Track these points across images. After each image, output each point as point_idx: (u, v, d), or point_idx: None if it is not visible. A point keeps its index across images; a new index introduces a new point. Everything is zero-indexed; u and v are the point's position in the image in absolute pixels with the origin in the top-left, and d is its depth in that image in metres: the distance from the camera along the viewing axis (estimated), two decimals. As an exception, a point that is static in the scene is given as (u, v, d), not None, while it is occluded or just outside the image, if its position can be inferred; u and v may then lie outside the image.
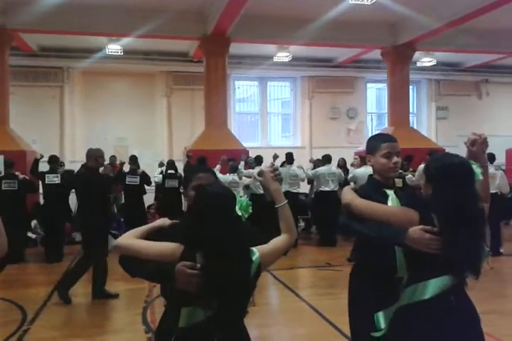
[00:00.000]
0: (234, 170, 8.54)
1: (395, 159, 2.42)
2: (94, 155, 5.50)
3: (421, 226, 2.08)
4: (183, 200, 8.62)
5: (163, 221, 2.10)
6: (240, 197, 1.91)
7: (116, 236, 9.03)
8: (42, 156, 8.21)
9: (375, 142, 2.50)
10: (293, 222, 2.11)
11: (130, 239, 1.98)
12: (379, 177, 2.49)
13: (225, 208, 1.87)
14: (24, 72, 11.74)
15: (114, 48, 11.13)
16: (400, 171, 8.83)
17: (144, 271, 1.92)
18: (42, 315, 4.98)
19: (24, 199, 7.69)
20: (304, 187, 9.95)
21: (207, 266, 1.80)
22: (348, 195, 2.38)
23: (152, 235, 2.01)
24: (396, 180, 9.04)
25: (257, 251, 1.93)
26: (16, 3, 8.91)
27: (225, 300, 1.82)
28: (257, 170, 8.54)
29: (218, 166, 8.65)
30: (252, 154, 9.91)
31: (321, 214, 9.14)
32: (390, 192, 2.42)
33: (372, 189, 2.45)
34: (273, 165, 2.19)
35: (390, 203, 2.36)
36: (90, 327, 4.73)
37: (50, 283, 6.17)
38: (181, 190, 8.56)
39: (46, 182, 7.79)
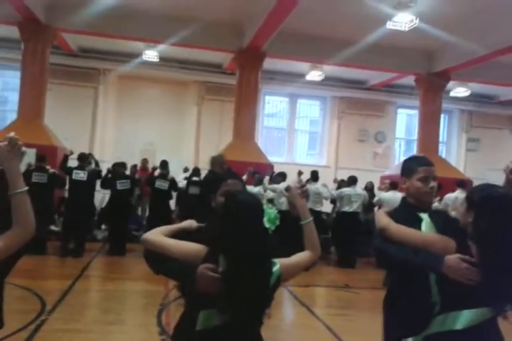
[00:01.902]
0: (260, 182, 8.56)
1: (432, 183, 2.35)
2: (219, 162, 5.64)
3: (458, 255, 2.03)
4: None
5: (191, 223, 2.13)
6: (270, 208, 1.91)
7: (136, 237, 9.11)
8: (72, 153, 8.35)
9: (412, 165, 2.43)
10: (317, 239, 2.10)
11: (158, 235, 2.01)
12: (413, 201, 2.41)
13: (252, 216, 1.87)
14: (62, 71, 11.99)
15: (150, 54, 11.35)
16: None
17: (168, 268, 1.94)
18: (59, 307, 5.00)
19: (52, 193, 7.82)
20: (326, 207, 9.89)
21: (228, 270, 1.81)
22: (384, 220, 2.33)
23: (178, 235, 2.03)
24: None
25: (278, 263, 1.93)
26: (62, 3, 9.18)
27: (242, 306, 1.82)
28: (282, 185, 8.55)
29: (244, 177, 8.67)
30: (277, 169, 9.91)
31: (342, 235, 9.04)
32: (425, 216, 2.34)
33: (406, 212, 2.39)
34: (301, 181, 2.21)
35: (423, 227, 2.29)
36: (105, 323, 4.72)
37: (70, 277, 6.23)
38: (204, 197, 8.62)
39: (73, 177, 7.90)
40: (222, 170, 5.77)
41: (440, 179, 9.65)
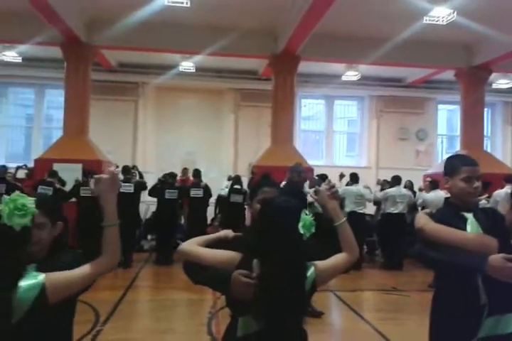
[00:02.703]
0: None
1: (476, 184, 2.27)
2: (297, 171, 5.66)
3: (502, 255, 1.97)
4: (246, 215, 8.72)
5: (227, 232, 2.15)
6: (306, 214, 1.90)
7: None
8: (117, 167, 8.62)
9: (455, 164, 2.35)
10: (354, 240, 2.07)
11: (192, 245, 2.05)
12: (456, 201, 2.35)
13: (287, 221, 1.87)
14: (102, 86, 12.37)
15: (186, 65, 11.59)
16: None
17: (204, 276, 1.97)
18: (113, 317, 5.17)
19: (99, 206, 8.06)
20: (369, 208, 9.76)
21: (262, 275, 1.82)
22: (422, 220, 2.29)
23: (214, 245, 2.07)
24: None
25: (312, 266, 1.93)
26: (99, 21, 9.50)
27: (277, 311, 1.81)
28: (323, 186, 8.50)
29: (285, 182, 8.68)
30: (316, 172, 9.87)
31: (388, 237, 8.90)
32: (469, 216, 2.28)
33: (450, 212, 2.33)
34: (329, 182, 2.18)
35: (468, 227, 2.23)
36: (157, 332, 4.84)
37: (121, 288, 6.45)
38: (246, 205, 8.69)
39: (120, 190, 8.14)
40: (299, 179, 5.67)
41: (487, 175, 9.31)
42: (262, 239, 1.86)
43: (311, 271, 1.91)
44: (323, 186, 2.14)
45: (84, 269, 1.78)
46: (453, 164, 2.38)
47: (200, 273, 1.98)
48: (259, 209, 2.02)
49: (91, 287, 1.87)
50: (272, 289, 1.80)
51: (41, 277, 1.68)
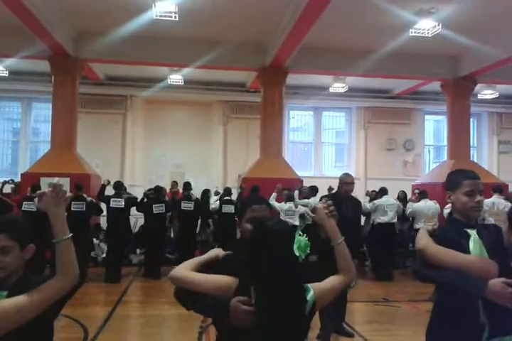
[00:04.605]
0: (290, 198, 8.57)
1: (478, 198, 2.26)
2: (345, 182, 5.45)
3: (503, 279, 1.96)
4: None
5: (217, 252, 2.07)
6: (300, 235, 1.84)
7: (170, 260, 9.19)
8: (109, 182, 8.56)
9: (457, 178, 2.34)
10: (351, 260, 2.04)
11: (184, 270, 1.96)
12: (459, 216, 2.32)
13: (282, 244, 1.82)
14: (91, 100, 12.36)
15: (175, 78, 11.61)
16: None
17: (200, 305, 1.90)
18: (101, 334, 5.07)
19: (89, 221, 8.02)
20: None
21: (260, 301, 1.76)
22: (423, 240, 2.26)
23: (207, 267, 2.00)
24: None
25: (311, 289, 1.88)
26: (87, 34, 9.49)
27: (278, 338, 1.76)
28: (312, 199, 8.51)
29: (274, 194, 8.71)
30: (305, 183, 9.89)
31: (378, 247, 8.91)
32: (473, 232, 2.25)
33: (452, 229, 2.30)
34: (327, 200, 2.12)
35: (471, 244, 2.20)
36: (147, 349, 4.76)
37: (110, 303, 6.35)
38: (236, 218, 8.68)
39: (111, 205, 8.11)
40: (348, 190, 5.44)
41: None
42: (257, 264, 1.80)
43: (310, 294, 1.86)
44: (321, 204, 2.08)
45: (34, 294, 1.68)
46: (454, 178, 2.36)
47: (195, 301, 1.91)
48: (252, 232, 1.93)
49: (60, 311, 1.82)
50: (272, 315, 1.75)
51: None
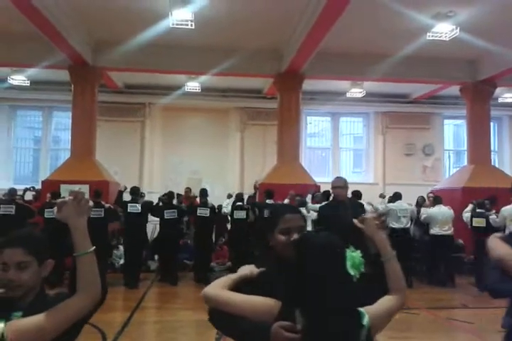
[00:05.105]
0: (302, 204, 8.52)
1: None
2: (332, 186, 5.07)
3: None
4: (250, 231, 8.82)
5: (250, 269, 1.86)
6: (353, 251, 1.67)
7: (188, 266, 9.24)
8: (126, 188, 8.67)
9: None
10: (403, 277, 1.84)
11: (218, 289, 1.77)
12: None
13: (334, 262, 1.62)
14: (110, 108, 12.54)
15: (192, 85, 11.71)
16: (483, 211, 8.38)
17: (237, 329, 1.70)
18: (120, 339, 5.11)
19: (107, 227, 8.11)
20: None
21: (308, 327, 1.55)
22: (502, 248, 2.04)
23: (241, 285, 1.81)
24: (477, 219, 8.39)
25: (366, 313, 1.65)
26: (105, 43, 9.66)
27: None
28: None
29: (287, 200, 8.70)
30: (323, 189, 9.81)
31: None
32: None
33: None
34: (377, 210, 2.00)
35: None
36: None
37: (128, 309, 6.39)
38: (248, 221, 8.78)
39: (128, 210, 8.20)
40: (338, 197, 5.05)
41: (496, 189, 9.21)
42: (303, 284, 1.59)
43: (366, 319, 1.63)
44: (370, 214, 1.89)
45: (53, 314, 1.54)
46: None
47: (231, 325, 1.72)
48: (295, 249, 1.71)
49: (81, 330, 1.67)
50: None
51: (0, 326, 1.50)
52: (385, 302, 1.77)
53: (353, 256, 1.65)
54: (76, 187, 1.68)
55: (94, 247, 1.62)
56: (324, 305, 1.56)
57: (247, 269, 1.87)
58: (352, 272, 1.63)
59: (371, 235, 1.87)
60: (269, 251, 1.93)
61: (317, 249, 1.63)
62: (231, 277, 1.84)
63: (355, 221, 1.93)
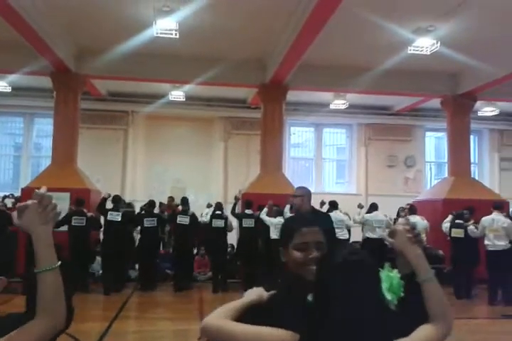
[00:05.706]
0: (279, 213, 8.59)
1: None
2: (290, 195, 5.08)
3: None
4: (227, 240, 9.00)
5: (259, 294, 1.57)
6: (389, 271, 1.42)
7: (169, 276, 9.14)
8: (109, 195, 8.58)
9: None
10: (447, 302, 1.52)
11: (221, 320, 1.48)
12: None
13: (365, 285, 1.35)
14: (92, 115, 12.45)
15: (176, 94, 11.70)
16: (461, 222, 8.48)
17: None
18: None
19: (89, 235, 8.01)
20: (356, 235, 9.73)
21: None
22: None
23: (249, 313, 1.52)
24: (456, 230, 8.50)
25: None
26: (89, 51, 9.61)
27: None
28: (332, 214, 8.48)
29: (265, 209, 8.74)
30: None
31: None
32: None
33: None
34: (408, 220, 1.66)
35: None
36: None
37: (107, 318, 6.27)
38: (227, 230, 8.90)
39: (108, 218, 8.11)
40: (295, 206, 4.61)
41: (475, 202, 9.39)
42: (326, 312, 1.33)
43: None
44: (401, 226, 1.59)
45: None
46: None
47: None
48: (317, 270, 1.46)
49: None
50: None
51: None
52: (424, 333, 1.46)
53: (391, 276, 1.40)
54: (41, 189, 1.32)
55: (60, 262, 1.31)
56: (352, 338, 1.30)
57: (255, 293, 1.58)
58: (389, 297, 1.37)
59: (403, 250, 1.56)
60: (281, 269, 1.69)
61: (343, 269, 1.36)
62: (236, 303, 1.55)
63: (383, 234, 1.81)
